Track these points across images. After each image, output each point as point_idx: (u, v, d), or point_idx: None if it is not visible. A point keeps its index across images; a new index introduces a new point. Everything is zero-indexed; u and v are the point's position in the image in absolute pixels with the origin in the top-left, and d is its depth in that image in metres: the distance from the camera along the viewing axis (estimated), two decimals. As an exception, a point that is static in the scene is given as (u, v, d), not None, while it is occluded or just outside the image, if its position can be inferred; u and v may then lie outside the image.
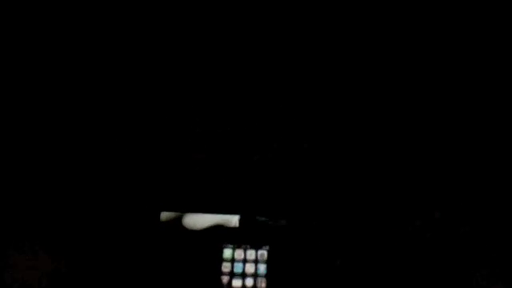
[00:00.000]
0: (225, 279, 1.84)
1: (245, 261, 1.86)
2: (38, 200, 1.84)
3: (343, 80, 1.92)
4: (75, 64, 1.88)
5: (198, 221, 1.89)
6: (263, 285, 1.83)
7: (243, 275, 1.85)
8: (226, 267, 1.86)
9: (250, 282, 1.84)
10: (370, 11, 1.81)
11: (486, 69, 1.86)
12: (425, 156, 1.92)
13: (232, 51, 1.90)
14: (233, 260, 1.86)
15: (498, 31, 1.78)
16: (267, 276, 1.84)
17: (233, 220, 1.89)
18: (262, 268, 1.85)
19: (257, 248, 1.87)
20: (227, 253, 1.87)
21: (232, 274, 1.85)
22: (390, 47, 1.87)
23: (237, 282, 1.84)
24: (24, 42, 1.82)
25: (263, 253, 1.87)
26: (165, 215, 1.89)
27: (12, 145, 1.86)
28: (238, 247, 1.87)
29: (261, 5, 1.78)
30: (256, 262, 1.86)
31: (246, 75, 1.92)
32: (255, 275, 1.85)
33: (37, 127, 1.87)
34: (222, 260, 1.86)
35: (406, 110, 1.93)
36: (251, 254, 1.87)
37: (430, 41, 1.84)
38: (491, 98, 1.88)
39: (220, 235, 1.88)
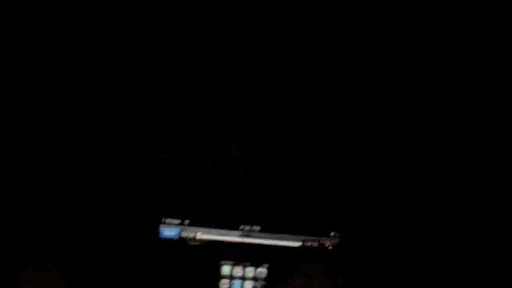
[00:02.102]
0: (223, 297, 1.79)
1: (243, 278, 1.82)
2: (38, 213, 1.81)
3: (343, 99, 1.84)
4: (75, 68, 1.83)
5: (196, 236, 1.83)
6: (262, 303, 1.78)
7: (242, 293, 1.79)
8: (224, 284, 1.81)
9: (248, 299, 1.78)
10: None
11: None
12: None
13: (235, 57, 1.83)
14: (231, 277, 1.82)
15: (498, 31, 1.69)
16: (266, 294, 1.78)
17: (232, 236, 1.84)
18: (261, 286, 1.81)
19: (256, 265, 1.82)
20: (226, 269, 1.82)
21: (230, 292, 1.80)
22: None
23: (235, 300, 1.79)
24: (24, 42, 1.78)
25: (262, 270, 1.82)
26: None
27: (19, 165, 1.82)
28: (237, 264, 1.82)
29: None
30: (255, 279, 1.81)
31: (245, 90, 1.85)
32: (254, 293, 1.79)
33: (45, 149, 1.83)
34: (220, 277, 1.81)
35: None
36: (250, 271, 1.82)
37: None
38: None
39: (218, 251, 1.83)
